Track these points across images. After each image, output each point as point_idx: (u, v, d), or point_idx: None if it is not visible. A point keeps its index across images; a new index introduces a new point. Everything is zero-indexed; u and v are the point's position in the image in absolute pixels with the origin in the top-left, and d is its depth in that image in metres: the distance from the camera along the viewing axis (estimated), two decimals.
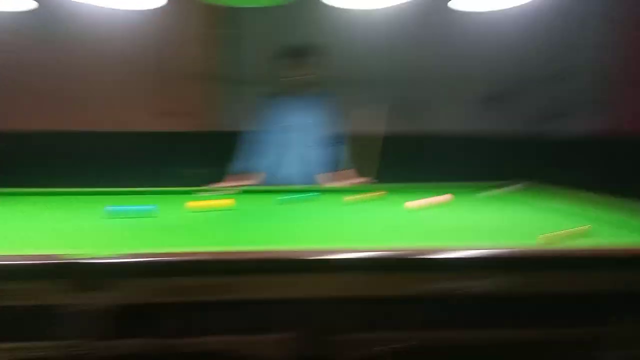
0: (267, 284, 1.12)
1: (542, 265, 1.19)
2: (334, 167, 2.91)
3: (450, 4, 2.16)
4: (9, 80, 3.63)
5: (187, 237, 1.51)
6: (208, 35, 3.76)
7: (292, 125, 2.88)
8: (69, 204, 2.09)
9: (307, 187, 2.50)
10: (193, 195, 2.30)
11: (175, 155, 3.75)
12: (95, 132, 3.69)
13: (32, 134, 3.59)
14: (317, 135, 2.90)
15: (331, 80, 3.17)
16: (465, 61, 4.00)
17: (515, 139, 4.03)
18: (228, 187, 2.61)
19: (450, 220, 1.78)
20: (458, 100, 4.09)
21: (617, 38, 3.76)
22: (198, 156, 3.71)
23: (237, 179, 2.79)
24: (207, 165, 3.57)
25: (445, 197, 2.07)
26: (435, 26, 3.89)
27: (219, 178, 2.75)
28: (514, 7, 2.13)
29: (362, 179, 2.82)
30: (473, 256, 1.15)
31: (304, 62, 2.81)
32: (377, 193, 2.23)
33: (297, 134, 2.88)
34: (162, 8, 2.09)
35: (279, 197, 2.18)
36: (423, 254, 1.14)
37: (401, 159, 3.48)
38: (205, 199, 2.03)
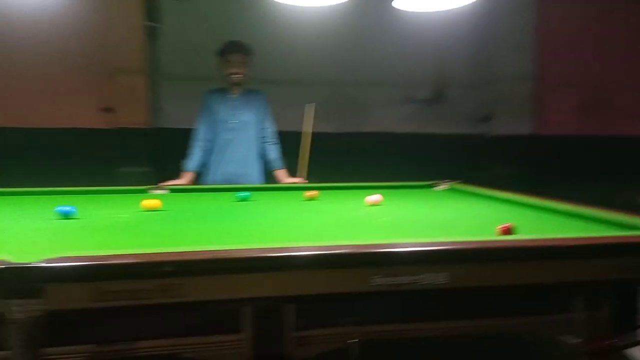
0: (217, 284, 1.06)
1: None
2: (270, 166, 2.89)
3: (394, 4, 2.20)
4: None
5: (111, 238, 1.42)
6: (141, 29, 3.60)
7: (230, 123, 2.82)
8: None
9: (244, 186, 2.45)
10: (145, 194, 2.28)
11: (111, 152, 3.58)
12: (23, 129, 3.53)
13: None
14: (254, 133, 2.86)
15: (263, 79, 3.15)
16: (400, 62, 4.12)
17: (444, 140, 4.21)
18: (176, 185, 2.60)
19: (385, 217, 1.81)
20: (389, 101, 4.20)
21: (536, 47, 4.04)
22: (138, 154, 3.58)
23: (185, 177, 2.78)
24: (144, 165, 3.45)
25: (376, 197, 2.09)
26: (375, 27, 3.97)
27: (159, 177, 2.74)
28: (456, 8, 2.21)
29: (295, 179, 2.81)
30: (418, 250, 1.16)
31: (239, 59, 2.77)
32: (311, 193, 2.22)
33: (235, 132, 2.83)
34: None
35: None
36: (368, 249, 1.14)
37: (331, 159, 3.52)
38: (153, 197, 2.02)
